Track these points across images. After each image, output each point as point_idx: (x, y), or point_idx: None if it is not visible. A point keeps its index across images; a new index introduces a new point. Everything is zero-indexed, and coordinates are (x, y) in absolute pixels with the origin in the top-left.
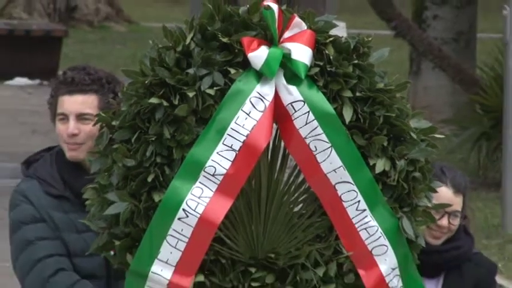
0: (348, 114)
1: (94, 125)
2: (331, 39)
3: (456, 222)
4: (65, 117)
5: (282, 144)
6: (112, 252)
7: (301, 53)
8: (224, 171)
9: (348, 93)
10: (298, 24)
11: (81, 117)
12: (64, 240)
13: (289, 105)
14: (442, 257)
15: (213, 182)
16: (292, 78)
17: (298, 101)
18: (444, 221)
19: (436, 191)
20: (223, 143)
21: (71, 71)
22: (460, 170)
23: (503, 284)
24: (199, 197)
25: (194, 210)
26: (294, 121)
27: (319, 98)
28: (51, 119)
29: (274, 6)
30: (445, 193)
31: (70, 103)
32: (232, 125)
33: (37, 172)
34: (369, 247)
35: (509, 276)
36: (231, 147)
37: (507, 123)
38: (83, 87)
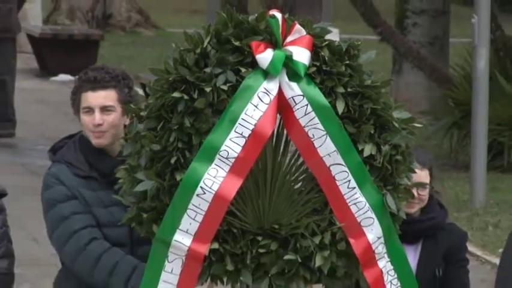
0: (340, 106)
1: (126, 116)
2: (326, 43)
3: (425, 193)
4: (90, 110)
5: (285, 132)
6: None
7: (301, 55)
8: (235, 155)
9: (340, 89)
10: (299, 30)
11: (104, 109)
12: (94, 214)
13: (291, 98)
14: (420, 226)
15: (226, 163)
16: (294, 76)
17: (298, 95)
18: (414, 193)
19: (415, 172)
20: (235, 131)
21: (92, 71)
22: (422, 149)
23: (472, 250)
24: (214, 177)
25: (210, 188)
26: (294, 112)
27: (316, 92)
28: (74, 112)
29: (278, 15)
30: (417, 169)
31: (94, 98)
32: (243, 115)
33: (64, 157)
34: (358, 219)
35: (477, 243)
36: (241, 134)
37: (475, 114)
38: (104, 84)
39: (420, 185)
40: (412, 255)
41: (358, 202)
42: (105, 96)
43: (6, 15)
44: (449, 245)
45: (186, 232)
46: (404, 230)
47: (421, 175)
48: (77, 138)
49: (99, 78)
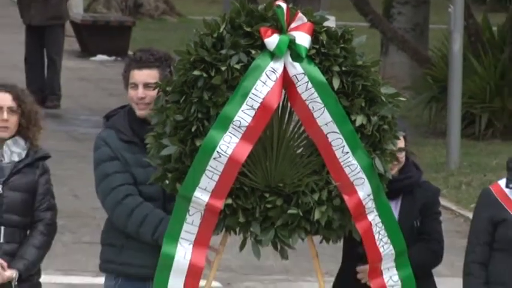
0: (336, 83)
1: (154, 89)
2: (324, 29)
3: (402, 155)
4: (135, 86)
5: (289, 104)
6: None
7: (303, 39)
8: (247, 124)
9: (336, 68)
10: (301, 18)
11: (147, 85)
12: (132, 174)
13: (294, 76)
14: (399, 184)
15: (239, 131)
16: (296, 57)
17: (300, 73)
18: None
19: (399, 139)
20: (246, 104)
21: (140, 52)
22: (401, 119)
23: (448, 205)
24: (228, 143)
25: (225, 152)
26: (297, 88)
27: (316, 71)
28: (124, 87)
29: (283, 5)
30: None
31: (139, 75)
32: (253, 90)
33: (113, 123)
34: (351, 179)
35: (452, 200)
36: (251, 106)
37: (450, 90)
38: (149, 64)
39: (400, 150)
40: (393, 209)
41: (351, 164)
42: (148, 74)
43: (57, 5)
44: (425, 200)
45: (205, 189)
46: (390, 185)
47: (398, 141)
48: (126, 108)
49: (145, 58)
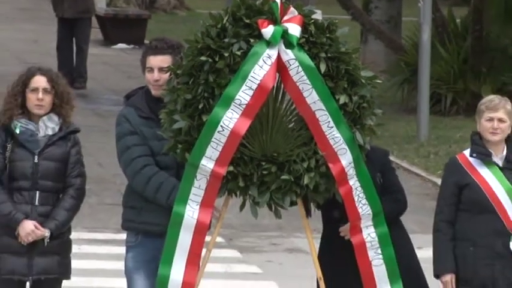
0: (322, 67)
1: (167, 72)
2: (312, 21)
3: None
4: (151, 70)
5: (282, 85)
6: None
7: (294, 30)
8: (246, 102)
9: (323, 54)
10: (292, 12)
11: (161, 69)
12: (150, 146)
13: (286, 61)
14: None
15: (239, 109)
16: (289, 45)
17: (292, 59)
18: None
19: (375, 115)
20: (245, 85)
21: (155, 41)
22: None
23: (418, 172)
24: (230, 118)
25: (227, 126)
26: (289, 71)
27: (305, 57)
28: (142, 71)
29: (278, 0)
30: None
31: (155, 61)
32: (251, 73)
33: (133, 102)
34: (335, 149)
35: (422, 167)
36: (250, 87)
37: (420, 73)
38: (163, 51)
39: (380, 126)
40: None
41: (335, 137)
42: (162, 60)
43: (86, 1)
44: (379, 160)
45: (210, 158)
46: None
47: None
48: (144, 89)
49: (159, 46)
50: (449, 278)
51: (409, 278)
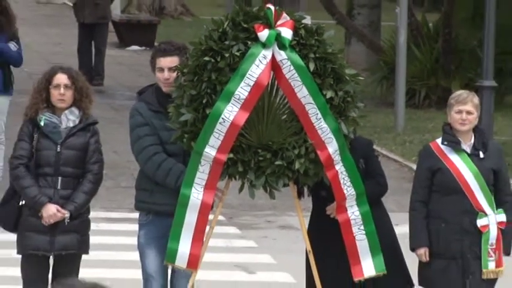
0: (311, 66)
1: (174, 71)
2: (302, 25)
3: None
4: (161, 70)
5: (276, 82)
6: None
7: (286, 33)
8: (244, 97)
9: (311, 55)
10: (285, 17)
11: (170, 69)
12: (159, 136)
13: (280, 61)
14: None
15: (238, 102)
16: (282, 46)
17: (284, 59)
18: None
19: (358, 108)
20: (244, 82)
21: (163, 44)
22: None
23: (396, 158)
24: (230, 111)
25: (228, 118)
26: (282, 70)
27: (296, 57)
28: (151, 69)
29: (272, 7)
30: None
31: (164, 61)
32: (249, 72)
33: (145, 97)
34: (322, 138)
35: (398, 154)
36: (248, 84)
37: (397, 71)
38: (171, 52)
39: (364, 117)
40: None
41: (323, 127)
42: (170, 61)
43: (104, 8)
44: (362, 148)
45: (213, 147)
46: None
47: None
48: (154, 86)
49: (167, 48)
50: (423, 251)
51: (388, 251)
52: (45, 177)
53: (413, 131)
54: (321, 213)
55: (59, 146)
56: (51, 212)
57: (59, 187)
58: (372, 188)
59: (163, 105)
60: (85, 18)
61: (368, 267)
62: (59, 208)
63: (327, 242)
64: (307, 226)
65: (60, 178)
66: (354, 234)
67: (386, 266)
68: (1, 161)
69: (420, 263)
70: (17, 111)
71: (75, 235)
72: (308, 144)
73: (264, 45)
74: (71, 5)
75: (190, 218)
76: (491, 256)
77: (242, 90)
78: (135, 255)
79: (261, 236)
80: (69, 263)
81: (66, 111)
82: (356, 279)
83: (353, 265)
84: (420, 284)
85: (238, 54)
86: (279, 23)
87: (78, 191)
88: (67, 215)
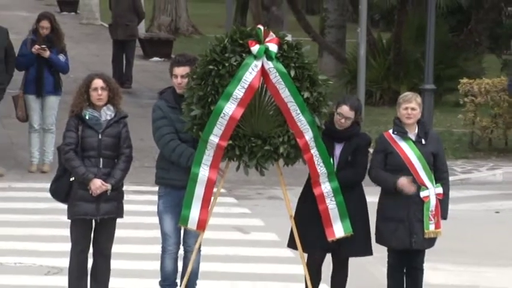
0: (292, 73)
1: (186, 77)
2: (285, 41)
3: (349, 121)
4: (176, 76)
5: (265, 85)
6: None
7: (273, 47)
8: (240, 96)
9: (292, 64)
10: (272, 35)
11: (182, 76)
12: (175, 126)
13: (268, 69)
14: (343, 134)
15: (236, 101)
16: (269, 58)
17: (271, 67)
18: (343, 120)
19: (328, 105)
20: (240, 85)
21: (178, 56)
22: (355, 97)
23: None
24: (229, 108)
25: (227, 113)
26: (270, 76)
27: (280, 66)
28: (169, 76)
29: (261, 27)
30: (346, 108)
31: (178, 70)
32: (244, 77)
33: (164, 97)
34: (301, 128)
35: None
36: (243, 87)
37: (359, 77)
38: (183, 63)
39: (347, 118)
40: (340, 147)
41: (301, 120)
42: (183, 70)
43: (132, 28)
44: (358, 144)
45: (216, 135)
46: (338, 135)
47: (350, 112)
48: (171, 88)
49: (180, 60)
50: (401, 181)
51: (359, 224)
52: (90, 159)
53: (371, 123)
54: (309, 191)
55: (100, 134)
56: (98, 185)
57: (101, 166)
58: (350, 174)
59: (178, 102)
60: (118, 36)
61: (338, 229)
62: (103, 182)
63: (310, 211)
64: (289, 198)
65: (101, 159)
66: (327, 204)
67: (356, 234)
68: (52, 147)
69: (377, 226)
70: (64, 108)
71: (115, 203)
72: (290, 133)
73: (256, 57)
74: (107, 26)
75: (199, 190)
76: (431, 220)
77: (238, 92)
78: (156, 220)
79: (253, 204)
80: (108, 225)
81: (104, 108)
82: (329, 239)
83: (326, 228)
84: (377, 241)
85: (235, 63)
86: (267, 39)
87: (116, 168)
88: (109, 187)
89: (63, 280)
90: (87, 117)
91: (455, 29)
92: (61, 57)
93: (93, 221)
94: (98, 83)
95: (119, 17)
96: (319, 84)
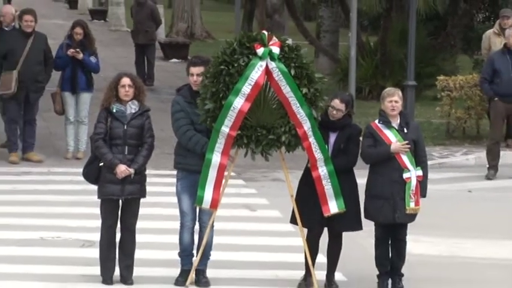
0: (292, 72)
1: (201, 76)
2: (286, 44)
3: (340, 113)
4: (192, 75)
5: (269, 83)
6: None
7: (276, 49)
8: (247, 92)
9: (292, 64)
10: (274, 39)
11: (198, 75)
12: (191, 119)
13: (271, 68)
14: (337, 124)
15: (243, 96)
16: (272, 59)
17: (274, 67)
18: (334, 112)
19: (324, 100)
20: (247, 82)
21: (193, 57)
22: (347, 93)
23: None
24: (238, 102)
25: (237, 107)
26: (273, 74)
27: (282, 66)
28: (186, 74)
29: (266, 32)
30: (337, 101)
31: (194, 70)
32: (251, 75)
33: (181, 93)
34: (300, 119)
35: None
36: (250, 84)
37: (350, 75)
38: (198, 64)
39: (338, 110)
40: (334, 136)
41: (300, 113)
42: (198, 69)
43: (151, 34)
44: (350, 133)
45: (227, 126)
46: (333, 125)
47: (340, 105)
48: (188, 86)
49: (196, 61)
50: (393, 145)
51: (351, 203)
52: (117, 147)
53: (361, 115)
54: (308, 174)
55: (125, 125)
56: (122, 169)
57: (126, 153)
58: (343, 161)
59: (193, 98)
60: (139, 40)
61: (333, 206)
62: (127, 167)
63: (309, 192)
64: (291, 180)
65: (126, 147)
66: (323, 185)
67: (348, 212)
68: (85, 136)
69: (365, 204)
70: (95, 103)
71: (138, 185)
72: (290, 124)
73: (261, 58)
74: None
75: (212, 174)
76: (412, 198)
77: (246, 88)
78: (175, 199)
79: (259, 186)
80: (133, 204)
81: (130, 102)
82: (325, 214)
83: (323, 205)
84: (365, 217)
85: (243, 64)
86: (270, 43)
87: (139, 155)
88: (132, 171)
89: (95, 252)
90: (114, 111)
91: (433, 33)
92: (92, 59)
93: (119, 200)
94: (125, 81)
95: (140, 24)
96: (316, 82)
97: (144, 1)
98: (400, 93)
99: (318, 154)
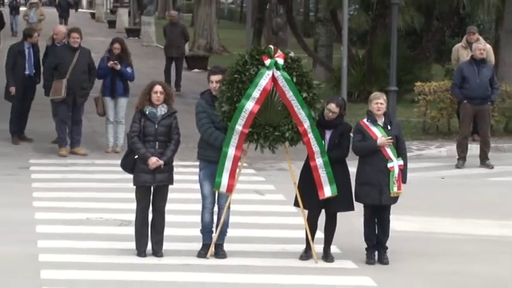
0: (294, 79)
1: (219, 83)
2: (289, 56)
3: (335, 115)
4: (212, 82)
5: (275, 88)
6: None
7: (280, 61)
8: (257, 97)
9: (294, 73)
10: (279, 52)
11: (216, 82)
12: (212, 118)
13: (277, 76)
14: (332, 123)
15: (254, 100)
16: (277, 68)
17: (279, 75)
18: (330, 114)
19: (321, 103)
20: (257, 88)
21: (213, 67)
22: (340, 97)
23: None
24: (249, 105)
25: (248, 109)
26: (278, 81)
27: (286, 74)
28: (207, 82)
29: (272, 47)
30: (332, 105)
31: (213, 77)
32: (260, 82)
33: (204, 97)
34: (301, 119)
35: None
36: (259, 89)
37: (342, 82)
38: (217, 72)
39: (333, 112)
40: (329, 133)
41: (301, 113)
42: (217, 77)
43: (182, 49)
44: (342, 130)
45: (240, 125)
46: (329, 124)
47: (335, 108)
48: (208, 91)
49: (215, 70)
50: (379, 140)
51: (343, 188)
52: (149, 142)
53: (352, 116)
54: (307, 164)
55: (156, 124)
56: (153, 161)
57: (156, 148)
58: (338, 154)
59: (213, 101)
60: (172, 54)
61: (327, 191)
62: (158, 159)
63: (309, 179)
64: (294, 171)
65: (157, 143)
66: (320, 173)
67: (342, 195)
68: (123, 134)
69: (355, 189)
70: (131, 106)
71: (167, 174)
72: (293, 123)
73: (268, 68)
74: (162, 47)
75: (228, 164)
76: (395, 184)
77: (256, 93)
78: (197, 185)
79: (267, 174)
80: (162, 190)
81: (160, 106)
82: (321, 198)
83: (319, 190)
84: (356, 200)
85: (253, 73)
86: (276, 55)
87: (168, 149)
88: (162, 162)
89: (131, 230)
90: (147, 112)
91: (411, 47)
92: (128, 69)
93: (151, 187)
94: (158, 88)
95: (173, 40)
96: (314, 87)
97: (177, 21)
98: (384, 96)
99: (315, 147)
